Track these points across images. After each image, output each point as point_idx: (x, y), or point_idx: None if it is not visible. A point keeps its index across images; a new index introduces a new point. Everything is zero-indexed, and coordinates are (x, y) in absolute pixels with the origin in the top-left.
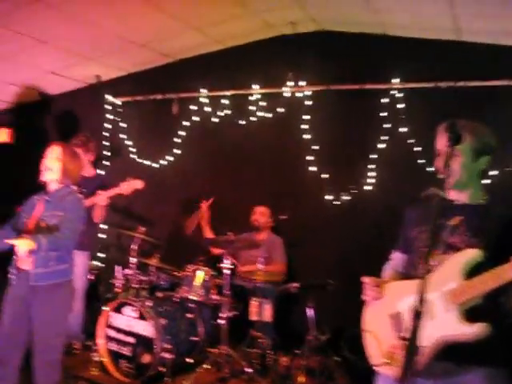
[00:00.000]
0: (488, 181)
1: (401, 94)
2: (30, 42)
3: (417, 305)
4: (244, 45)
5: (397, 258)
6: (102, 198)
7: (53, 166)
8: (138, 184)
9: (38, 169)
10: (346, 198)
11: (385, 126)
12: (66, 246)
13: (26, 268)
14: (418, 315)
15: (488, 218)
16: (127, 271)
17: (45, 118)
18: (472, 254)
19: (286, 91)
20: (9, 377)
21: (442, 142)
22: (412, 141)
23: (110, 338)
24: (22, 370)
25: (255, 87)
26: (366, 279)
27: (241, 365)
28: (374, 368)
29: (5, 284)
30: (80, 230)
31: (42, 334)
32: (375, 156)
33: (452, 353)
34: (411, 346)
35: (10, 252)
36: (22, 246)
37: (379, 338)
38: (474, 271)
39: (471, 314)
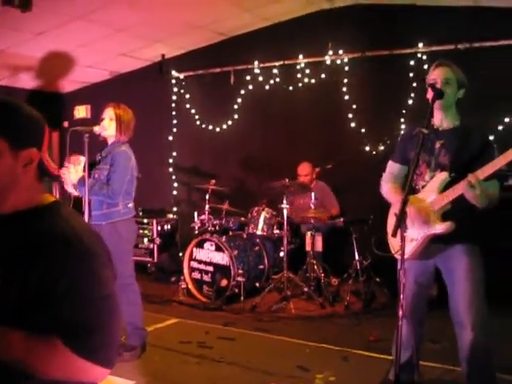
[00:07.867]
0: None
1: (425, 57)
2: (107, 30)
3: (404, 195)
4: (289, 20)
5: (392, 166)
6: None
7: (108, 124)
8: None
9: None
10: (381, 148)
11: (412, 85)
12: (112, 195)
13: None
14: (404, 202)
15: (460, 138)
16: (203, 216)
17: (117, 93)
18: (443, 177)
19: (327, 59)
20: None
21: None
22: None
23: (193, 269)
24: None
25: (300, 57)
26: None
27: (300, 286)
28: (394, 255)
29: None
30: (126, 180)
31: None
32: (404, 111)
33: (441, 237)
34: (400, 213)
35: None
36: (72, 172)
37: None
38: (446, 186)
39: (445, 216)
